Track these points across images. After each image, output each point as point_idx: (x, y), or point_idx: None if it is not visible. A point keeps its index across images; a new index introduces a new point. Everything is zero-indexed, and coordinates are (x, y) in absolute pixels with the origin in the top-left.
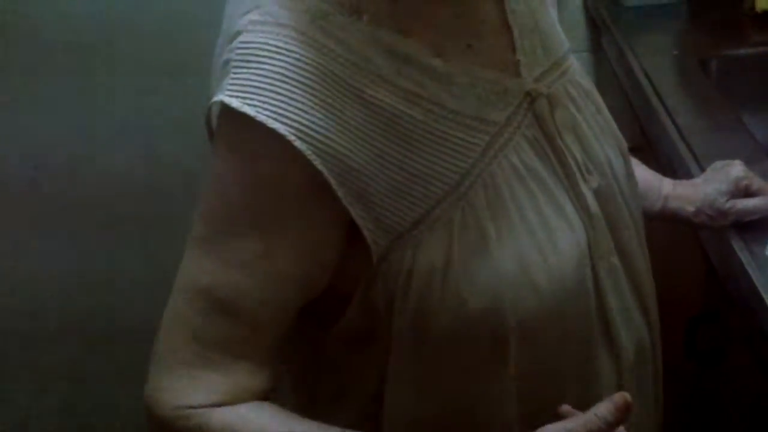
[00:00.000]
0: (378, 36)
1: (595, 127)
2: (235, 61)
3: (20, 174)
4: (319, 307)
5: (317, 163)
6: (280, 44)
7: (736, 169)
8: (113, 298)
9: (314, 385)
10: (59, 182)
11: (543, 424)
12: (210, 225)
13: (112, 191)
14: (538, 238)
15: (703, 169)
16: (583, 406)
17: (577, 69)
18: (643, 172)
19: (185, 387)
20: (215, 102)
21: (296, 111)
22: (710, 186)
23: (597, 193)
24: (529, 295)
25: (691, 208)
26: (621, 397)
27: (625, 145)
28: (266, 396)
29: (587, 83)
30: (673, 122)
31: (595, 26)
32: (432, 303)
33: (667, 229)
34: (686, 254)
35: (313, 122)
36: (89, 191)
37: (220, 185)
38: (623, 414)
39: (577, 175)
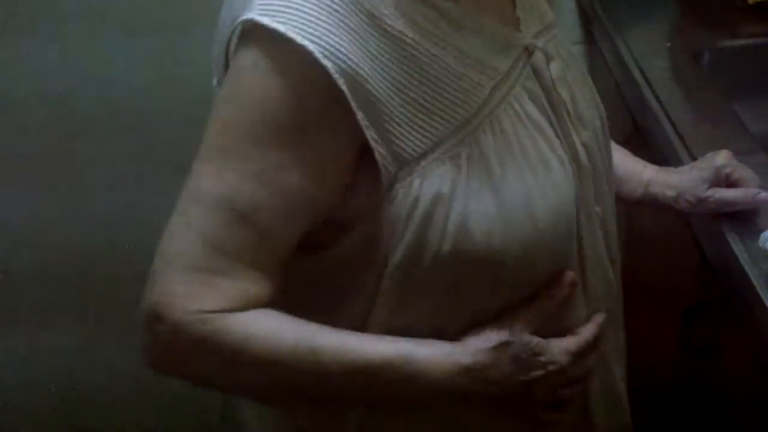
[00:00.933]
0: None
1: (580, 86)
2: None
3: None
4: (311, 233)
5: (340, 82)
6: None
7: (720, 157)
8: None
9: (296, 303)
10: None
11: None
12: (228, 136)
13: None
14: (540, 178)
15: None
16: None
17: (563, 38)
18: (626, 159)
19: (199, 292)
20: (242, 21)
21: (323, 31)
22: (693, 172)
23: (584, 145)
24: (529, 229)
25: (672, 193)
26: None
27: (602, 108)
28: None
29: (572, 50)
30: (666, 114)
31: (587, 18)
32: (434, 230)
33: (660, 222)
34: (680, 247)
35: (338, 43)
36: None
37: (240, 98)
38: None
39: (570, 127)
